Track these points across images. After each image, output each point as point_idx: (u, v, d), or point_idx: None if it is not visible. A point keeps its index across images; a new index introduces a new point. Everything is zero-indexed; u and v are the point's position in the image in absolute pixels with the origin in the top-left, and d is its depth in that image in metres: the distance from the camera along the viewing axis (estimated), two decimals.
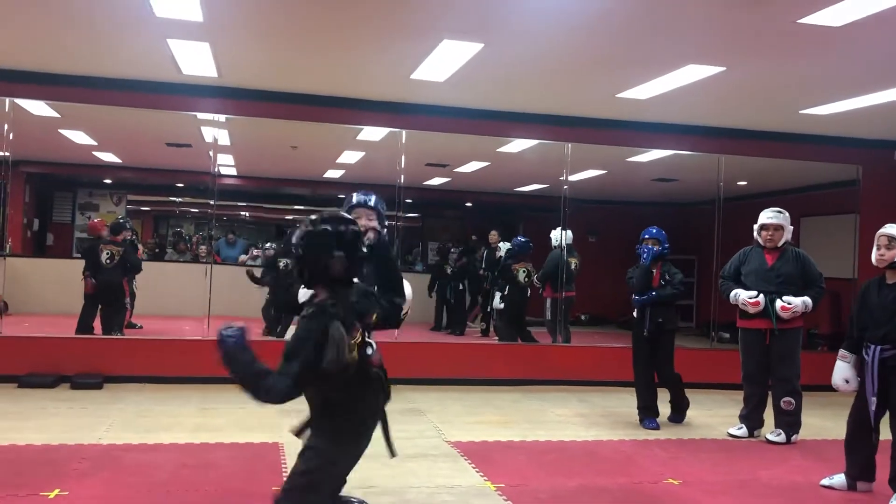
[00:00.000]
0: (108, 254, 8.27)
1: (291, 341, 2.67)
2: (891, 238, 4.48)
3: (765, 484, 4.82)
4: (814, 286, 5.91)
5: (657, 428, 6.18)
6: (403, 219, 8.15)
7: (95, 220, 8.83)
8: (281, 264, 9.09)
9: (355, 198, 3.77)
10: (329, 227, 2.79)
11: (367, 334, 2.84)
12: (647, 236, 6.37)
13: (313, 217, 2.83)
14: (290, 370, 2.59)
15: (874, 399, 4.47)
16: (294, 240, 2.80)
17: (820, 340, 9.02)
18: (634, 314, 6.39)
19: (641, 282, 6.26)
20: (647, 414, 6.30)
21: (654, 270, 6.30)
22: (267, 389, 2.58)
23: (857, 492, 4.64)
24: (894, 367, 4.41)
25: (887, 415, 4.52)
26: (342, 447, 2.83)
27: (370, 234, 3.54)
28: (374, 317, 2.93)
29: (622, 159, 9.44)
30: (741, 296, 5.97)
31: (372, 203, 3.74)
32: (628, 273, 6.45)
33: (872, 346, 4.49)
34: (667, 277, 6.29)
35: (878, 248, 4.53)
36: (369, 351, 2.82)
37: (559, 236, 8.85)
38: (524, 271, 8.70)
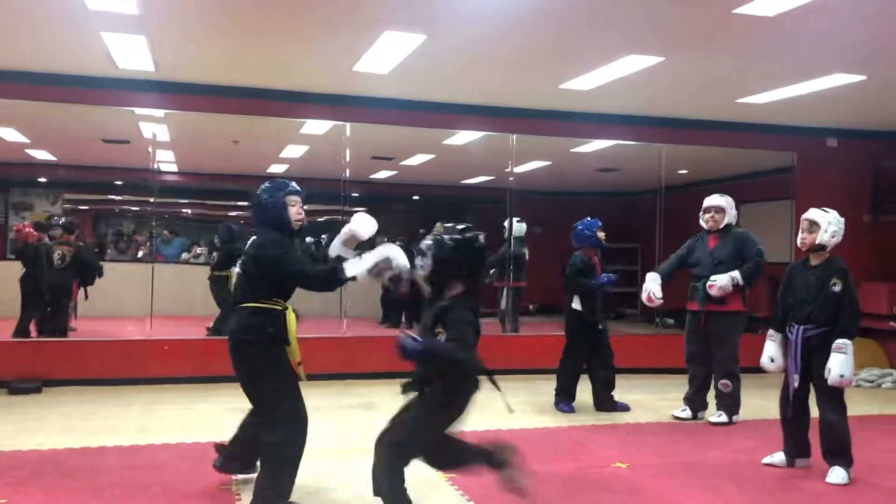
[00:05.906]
0: (59, 254, 7.95)
1: (461, 325, 3.31)
2: (811, 222, 4.65)
3: (709, 465, 4.94)
4: (749, 261, 6.00)
5: (573, 411, 6.32)
6: (350, 213, 8.06)
7: (24, 226, 8.20)
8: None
9: (291, 187, 4.10)
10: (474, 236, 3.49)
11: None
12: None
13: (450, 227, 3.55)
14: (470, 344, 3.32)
15: (796, 377, 4.64)
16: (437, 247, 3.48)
17: (760, 323, 9.24)
18: (578, 307, 6.42)
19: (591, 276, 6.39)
20: (565, 398, 6.44)
21: (596, 259, 6.45)
22: (470, 365, 3.37)
23: (795, 468, 4.81)
24: (818, 346, 4.57)
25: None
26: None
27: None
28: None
29: (567, 150, 9.53)
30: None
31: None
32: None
33: (796, 326, 4.65)
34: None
35: (802, 232, 4.70)
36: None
37: (512, 227, 8.90)
38: None
